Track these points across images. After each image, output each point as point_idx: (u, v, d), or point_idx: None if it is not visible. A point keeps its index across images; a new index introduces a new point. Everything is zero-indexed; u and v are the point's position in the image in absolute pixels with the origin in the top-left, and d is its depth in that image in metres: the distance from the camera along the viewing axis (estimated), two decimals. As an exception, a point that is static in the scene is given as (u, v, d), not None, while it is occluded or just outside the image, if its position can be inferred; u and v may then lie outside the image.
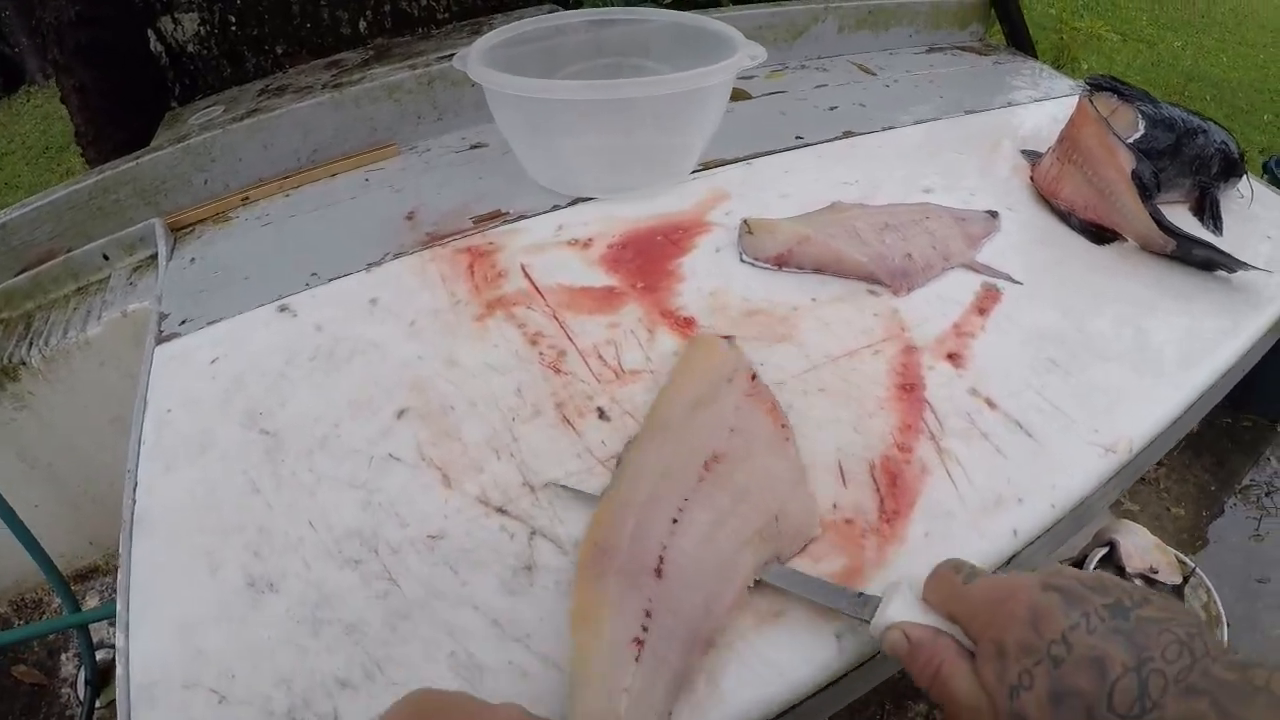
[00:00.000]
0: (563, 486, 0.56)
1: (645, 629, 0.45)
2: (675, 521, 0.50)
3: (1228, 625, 1.16)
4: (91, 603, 1.17)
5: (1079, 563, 1.29)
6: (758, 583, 0.49)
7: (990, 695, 0.38)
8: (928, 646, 0.42)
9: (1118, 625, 0.37)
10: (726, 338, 0.66)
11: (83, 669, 1.06)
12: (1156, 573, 1.20)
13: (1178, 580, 1.21)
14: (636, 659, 0.43)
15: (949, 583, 0.43)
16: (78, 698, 1.12)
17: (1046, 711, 0.36)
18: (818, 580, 0.50)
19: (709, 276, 0.75)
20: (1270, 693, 0.32)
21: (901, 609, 0.44)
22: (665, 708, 0.43)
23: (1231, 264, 0.76)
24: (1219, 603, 1.19)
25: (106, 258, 0.95)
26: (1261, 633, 1.46)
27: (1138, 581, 1.21)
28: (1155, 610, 0.37)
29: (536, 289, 0.74)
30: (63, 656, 1.18)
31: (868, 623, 0.45)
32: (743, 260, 0.77)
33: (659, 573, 0.47)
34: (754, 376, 0.62)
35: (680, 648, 0.45)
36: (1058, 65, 1.25)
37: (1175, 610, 0.37)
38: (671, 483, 0.52)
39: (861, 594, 0.47)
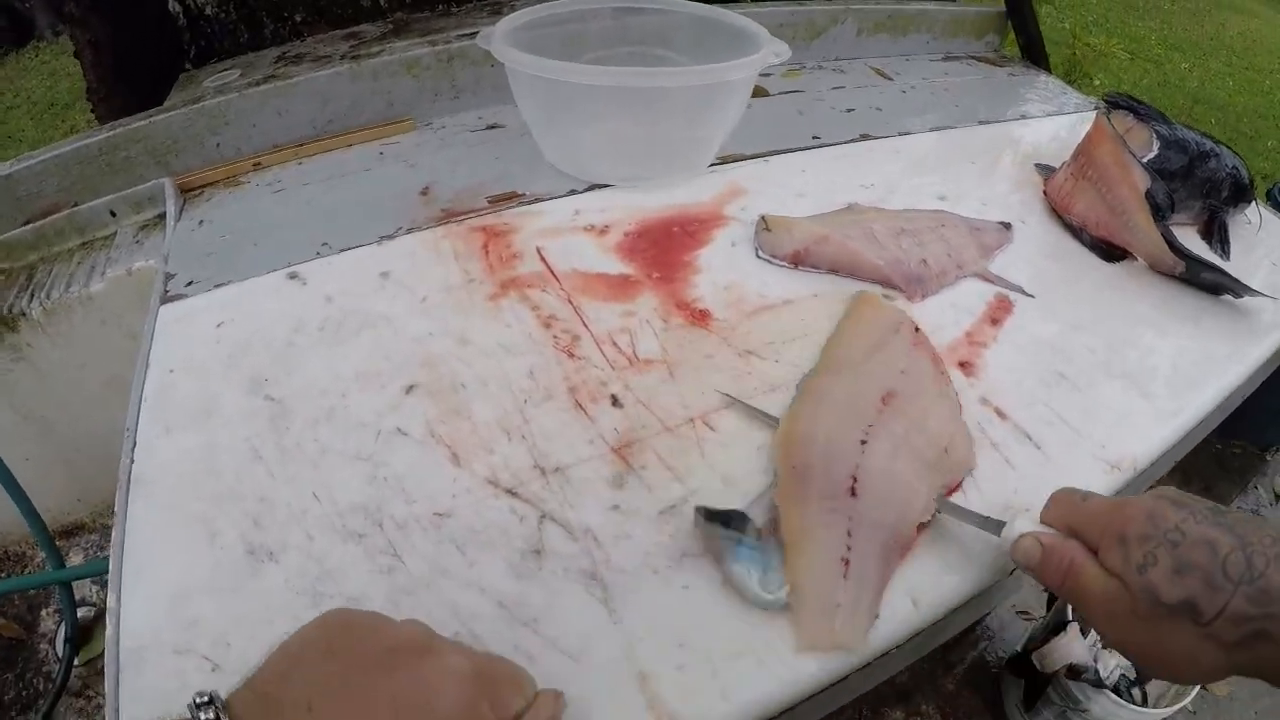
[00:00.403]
0: (732, 397, 0.62)
1: (849, 547, 0.50)
2: (864, 443, 0.55)
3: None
4: (75, 559, 1.16)
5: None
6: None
7: (1120, 577, 0.44)
8: (1059, 548, 0.48)
9: (1220, 520, 0.43)
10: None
11: (63, 626, 1.05)
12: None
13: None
14: (844, 575, 0.49)
15: (1067, 502, 0.50)
16: (56, 654, 1.12)
17: (1173, 581, 0.42)
18: (953, 505, 0.55)
19: (725, 270, 0.75)
20: None
21: (1028, 524, 0.50)
22: (871, 614, 0.49)
23: (1238, 289, 0.76)
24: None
25: (113, 214, 0.94)
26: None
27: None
28: (1247, 516, 0.44)
29: (552, 272, 0.74)
30: (43, 612, 1.18)
31: (997, 536, 0.51)
32: (759, 256, 0.77)
33: (853, 492, 0.52)
34: (917, 329, 0.67)
35: (879, 559, 0.50)
36: (1069, 80, 1.25)
37: (1263, 519, 0.44)
38: (854, 412, 0.58)
39: (988, 517, 0.52)
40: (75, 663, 1.07)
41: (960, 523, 0.53)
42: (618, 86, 0.74)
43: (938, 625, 0.51)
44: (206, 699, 0.33)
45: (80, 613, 1.08)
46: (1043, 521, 0.50)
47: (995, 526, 0.51)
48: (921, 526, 0.53)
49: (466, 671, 0.37)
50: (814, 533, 0.50)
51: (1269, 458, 1.91)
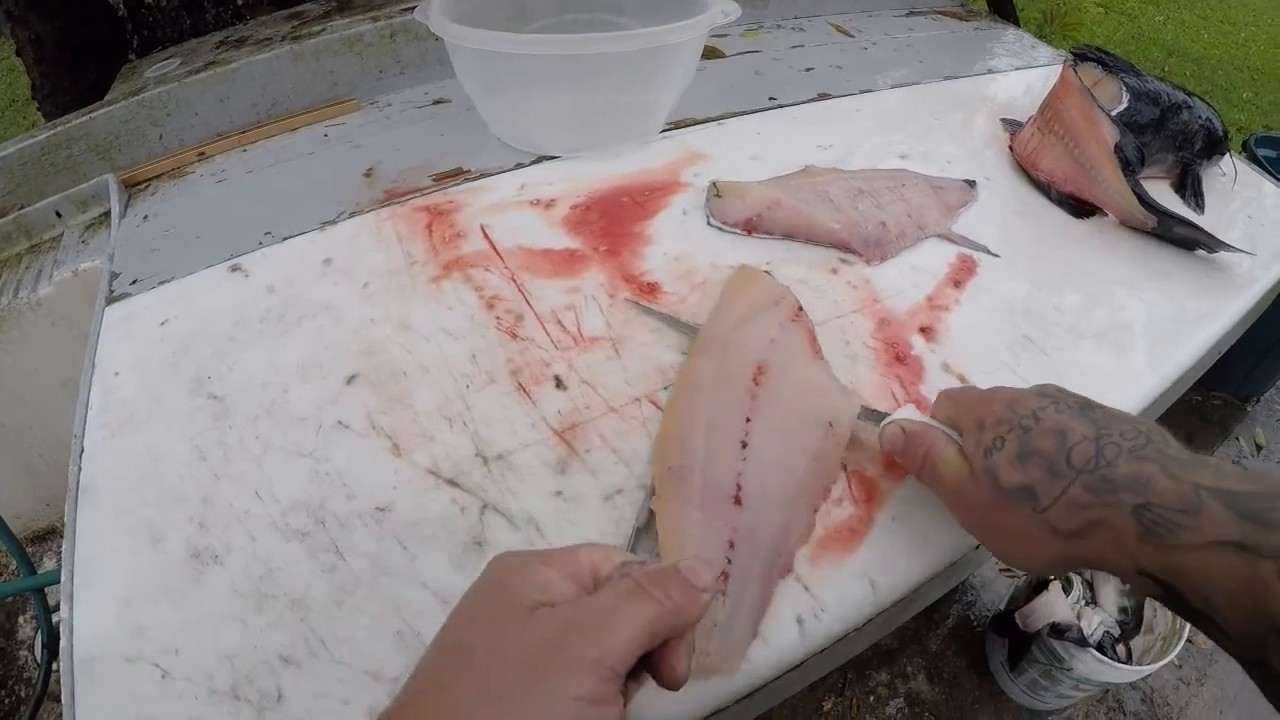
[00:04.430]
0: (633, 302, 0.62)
1: (730, 560, 0.47)
2: (744, 445, 0.51)
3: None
4: (48, 565, 1.16)
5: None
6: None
7: (969, 460, 0.45)
8: (920, 435, 0.49)
9: (1084, 412, 0.43)
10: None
11: (39, 632, 1.05)
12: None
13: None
14: (723, 592, 0.45)
15: (949, 395, 0.51)
16: (35, 660, 1.11)
17: (1015, 467, 0.42)
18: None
19: (675, 241, 0.73)
20: (1218, 466, 0.38)
21: (904, 414, 0.51)
22: (750, 633, 0.46)
23: (1212, 243, 0.75)
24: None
25: (59, 215, 0.91)
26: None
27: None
28: (1121, 413, 0.43)
29: (495, 250, 0.72)
30: (20, 619, 1.17)
31: (877, 426, 0.52)
32: (710, 224, 0.75)
33: (738, 501, 0.49)
34: (800, 309, 0.62)
35: (761, 574, 0.47)
36: (1041, 36, 1.22)
37: (1138, 418, 0.43)
38: (729, 399, 0.54)
39: (873, 410, 0.54)
40: (54, 668, 1.07)
41: (916, 494, 0.53)
42: (556, 55, 0.72)
43: (900, 604, 0.50)
44: None
45: (56, 618, 1.07)
46: (931, 416, 0.51)
47: (877, 418, 0.53)
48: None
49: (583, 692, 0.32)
50: (691, 543, 0.47)
51: (1249, 409, 1.91)
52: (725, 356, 0.57)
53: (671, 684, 0.35)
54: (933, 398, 0.59)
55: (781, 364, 0.56)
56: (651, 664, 0.35)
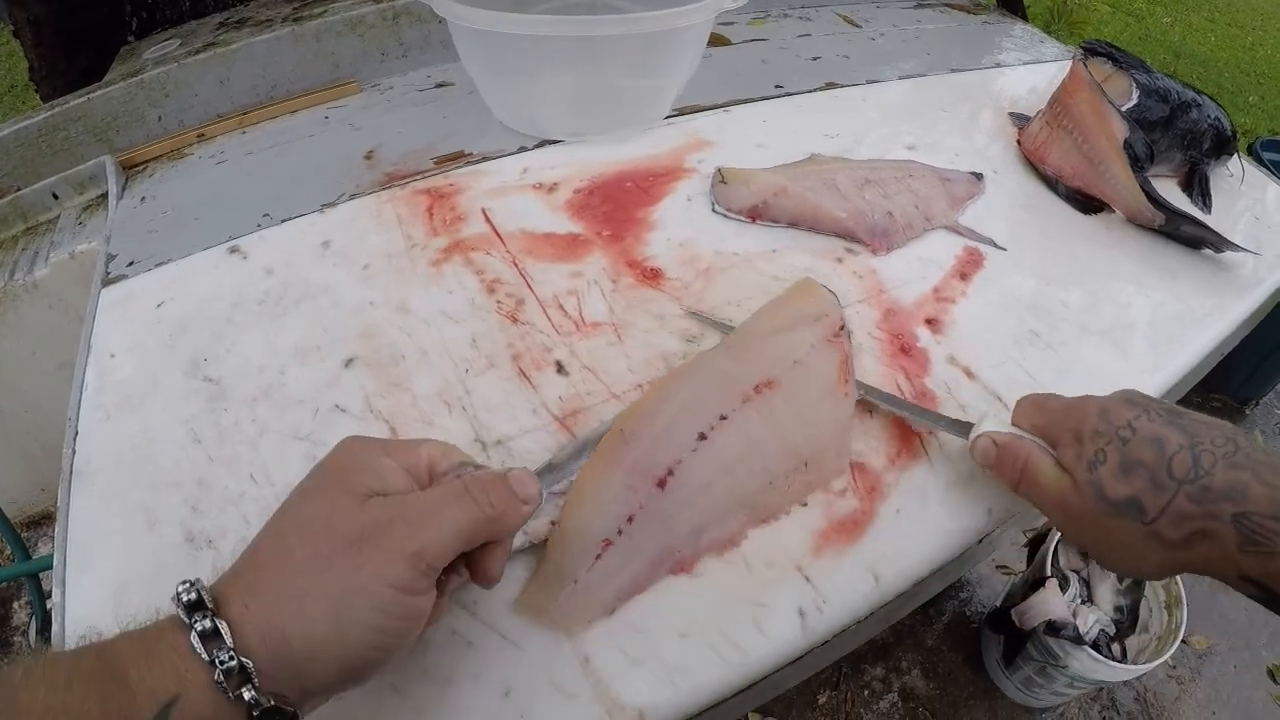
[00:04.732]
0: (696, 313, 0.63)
1: (620, 532, 0.46)
2: (702, 438, 0.50)
3: (1187, 606, 1.17)
4: (43, 550, 1.15)
5: (1042, 537, 1.30)
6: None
7: (1071, 473, 0.46)
8: (1014, 446, 0.49)
9: (1173, 420, 0.45)
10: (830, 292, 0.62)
11: (34, 618, 1.04)
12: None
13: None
14: (597, 556, 0.45)
15: (1032, 402, 0.51)
16: (30, 646, 1.11)
17: (1119, 479, 0.44)
18: (919, 407, 0.56)
19: (679, 226, 0.72)
20: None
21: (991, 424, 0.51)
22: (604, 609, 0.45)
23: (1219, 243, 0.74)
24: (1179, 583, 1.20)
25: (56, 197, 0.90)
26: (1219, 614, 1.48)
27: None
28: (1204, 417, 0.45)
29: (497, 234, 0.71)
30: (15, 605, 1.17)
31: (965, 439, 0.52)
32: (715, 211, 0.74)
33: (662, 484, 0.48)
34: (842, 328, 0.59)
35: (648, 560, 0.46)
36: (1049, 31, 1.21)
37: (1220, 421, 0.44)
38: (717, 393, 0.52)
39: (956, 420, 0.54)
40: (48, 653, 1.06)
41: (920, 487, 0.52)
42: (561, 36, 0.71)
43: (903, 597, 0.50)
44: (188, 585, 0.32)
45: (50, 603, 1.07)
46: (1012, 424, 0.51)
47: (963, 429, 0.53)
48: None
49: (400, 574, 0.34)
50: (595, 501, 0.47)
51: (1248, 411, 1.91)
52: (743, 357, 0.55)
53: (484, 582, 0.39)
54: (938, 391, 0.59)
55: (793, 387, 0.54)
56: (470, 562, 0.38)
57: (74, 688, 0.28)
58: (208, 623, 0.31)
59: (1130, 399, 0.47)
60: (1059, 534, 1.23)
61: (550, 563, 0.45)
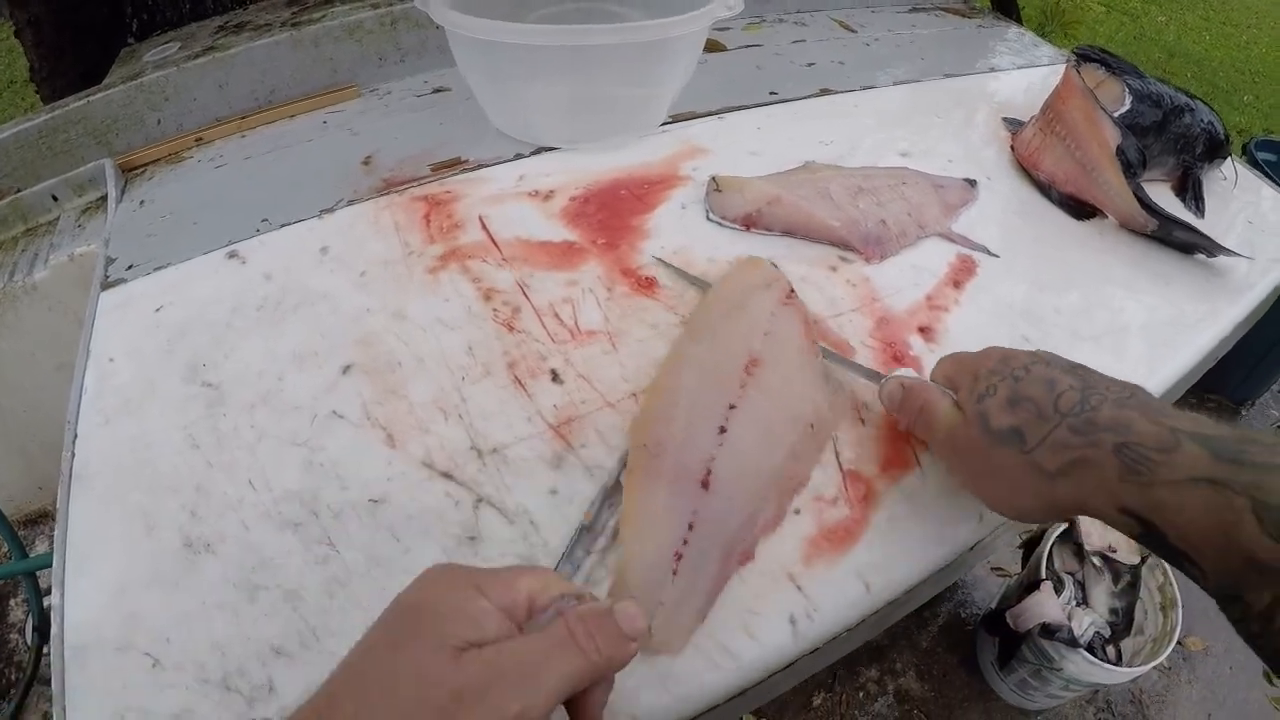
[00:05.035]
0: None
1: (686, 542, 0.47)
2: (723, 431, 0.51)
3: (1182, 608, 1.17)
4: (40, 548, 1.15)
5: (1037, 539, 1.30)
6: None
7: (962, 409, 0.47)
8: (917, 389, 0.51)
9: (1074, 370, 0.46)
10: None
11: (30, 615, 1.05)
12: (1115, 551, 1.22)
13: (1135, 561, 1.23)
14: (674, 572, 0.46)
15: (949, 358, 0.53)
16: (26, 644, 1.11)
17: (1005, 410, 0.45)
18: (838, 355, 0.60)
19: (674, 234, 0.72)
20: (1195, 416, 0.40)
21: (905, 373, 0.53)
22: (698, 617, 0.46)
23: (1212, 248, 0.75)
24: (1175, 585, 1.21)
25: (55, 199, 0.91)
26: (1215, 615, 1.48)
27: (1096, 561, 1.22)
28: (1111, 377, 0.45)
29: (493, 241, 0.71)
30: (11, 602, 1.17)
31: (877, 384, 0.54)
32: (709, 219, 0.74)
33: (705, 485, 0.49)
34: (791, 291, 0.62)
35: (718, 560, 0.47)
36: (1042, 34, 1.22)
37: (1128, 383, 0.45)
38: (717, 385, 0.54)
39: (871, 369, 0.57)
40: (45, 651, 1.07)
41: (912, 495, 0.53)
42: (556, 45, 0.71)
43: (893, 604, 0.50)
44: None
45: (47, 602, 1.06)
46: (931, 378, 0.53)
47: (876, 377, 0.55)
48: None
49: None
50: (652, 520, 0.47)
51: (1244, 412, 1.92)
52: (717, 342, 0.57)
53: None
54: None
55: (774, 358, 0.56)
56: (571, 704, 0.35)
57: None
58: None
59: (1036, 352, 0.48)
60: (1054, 536, 1.24)
61: (630, 592, 0.45)
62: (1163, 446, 0.38)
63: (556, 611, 0.36)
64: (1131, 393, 0.43)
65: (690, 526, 0.47)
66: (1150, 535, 0.39)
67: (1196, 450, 0.37)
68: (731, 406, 0.52)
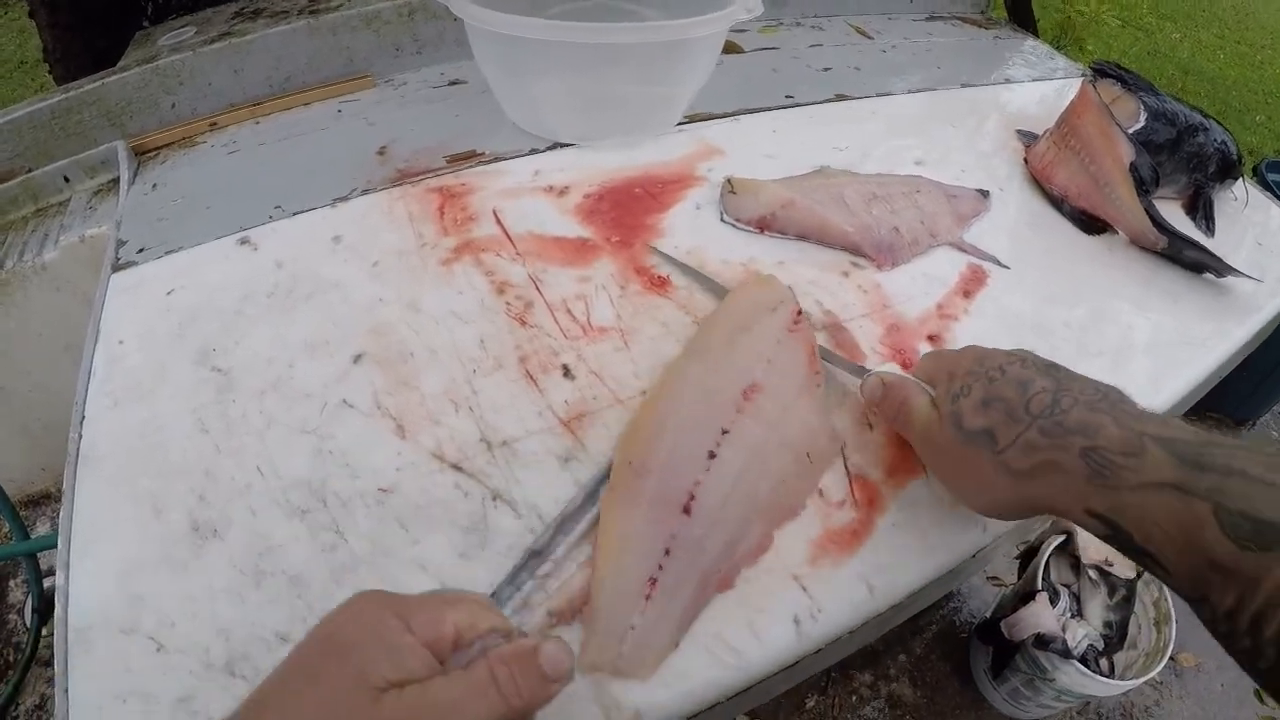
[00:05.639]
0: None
1: (662, 567, 0.46)
2: (712, 456, 0.50)
3: (1176, 624, 1.18)
4: (42, 529, 1.15)
5: (1034, 549, 1.31)
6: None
7: (938, 407, 0.48)
8: (898, 385, 0.52)
9: (1049, 371, 0.46)
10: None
11: (30, 596, 1.04)
12: (1111, 565, 1.22)
13: (1131, 575, 1.23)
14: (647, 597, 0.45)
15: (930, 355, 0.55)
16: (25, 625, 1.11)
17: (978, 411, 0.45)
18: (829, 350, 0.60)
19: (687, 234, 0.73)
20: (1166, 419, 0.40)
21: (889, 369, 0.55)
22: (670, 642, 0.45)
23: (1221, 268, 0.75)
24: (1169, 600, 1.21)
25: (67, 180, 0.91)
26: (1206, 634, 1.48)
27: (1092, 573, 1.22)
28: (1087, 377, 0.46)
29: (507, 235, 0.71)
30: (11, 583, 1.17)
31: (860, 379, 0.55)
32: (723, 220, 0.74)
33: (687, 510, 0.48)
34: (799, 313, 0.60)
35: (694, 586, 0.46)
36: (1058, 46, 1.21)
37: (1106, 384, 0.45)
38: (711, 409, 0.53)
39: (858, 365, 0.58)
40: (44, 632, 1.06)
41: (917, 501, 0.53)
42: (575, 43, 0.71)
43: (896, 608, 0.50)
44: None
45: (47, 583, 1.07)
46: (913, 374, 0.54)
47: (860, 372, 0.56)
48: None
49: None
50: (627, 543, 0.47)
51: (1245, 431, 1.92)
52: (717, 366, 0.56)
53: None
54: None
55: (775, 386, 0.55)
56: None
57: None
58: None
59: (1013, 351, 0.49)
60: (1051, 547, 1.24)
61: (601, 614, 0.45)
62: (1128, 451, 0.39)
63: (481, 649, 0.35)
64: (1104, 395, 0.43)
65: (667, 551, 0.46)
66: (1116, 536, 0.40)
67: (1161, 455, 0.38)
68: (725, 431, 0.51)
